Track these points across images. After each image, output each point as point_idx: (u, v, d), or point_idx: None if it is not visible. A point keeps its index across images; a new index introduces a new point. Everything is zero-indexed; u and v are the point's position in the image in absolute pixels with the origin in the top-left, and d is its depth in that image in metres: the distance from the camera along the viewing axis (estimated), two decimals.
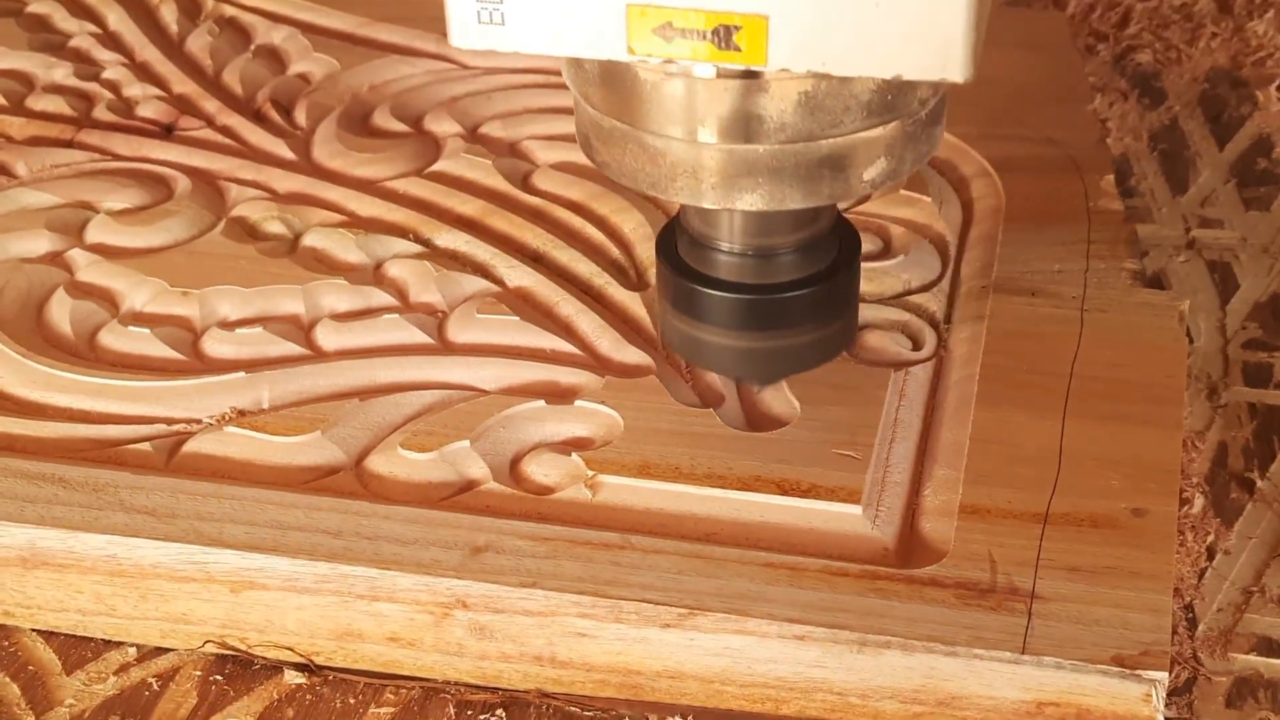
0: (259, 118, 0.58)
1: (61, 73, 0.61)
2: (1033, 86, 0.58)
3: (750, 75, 0.33)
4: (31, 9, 0.65)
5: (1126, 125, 0.60)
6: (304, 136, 0.57)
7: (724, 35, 0.32)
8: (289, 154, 0.56)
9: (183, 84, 0.60)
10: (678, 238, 0.39)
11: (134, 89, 0.60)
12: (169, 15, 0.65)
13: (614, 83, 0.35)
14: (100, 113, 0.58)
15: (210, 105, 0.59)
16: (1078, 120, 0.56)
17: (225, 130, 0.58)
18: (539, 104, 0.59)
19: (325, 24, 0.64)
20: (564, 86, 0.60)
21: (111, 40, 0.63)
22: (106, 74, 0.61)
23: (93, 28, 0.63)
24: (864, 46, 0.31)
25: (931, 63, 0.32)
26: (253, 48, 0.63)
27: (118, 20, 0.64)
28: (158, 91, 0.60)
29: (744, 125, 0.34)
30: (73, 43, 0.63)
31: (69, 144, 0.57)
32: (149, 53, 0.62)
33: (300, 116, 0.58)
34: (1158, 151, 0.59)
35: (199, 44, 0.63)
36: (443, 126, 0.57)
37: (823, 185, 0.35)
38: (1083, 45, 0.64)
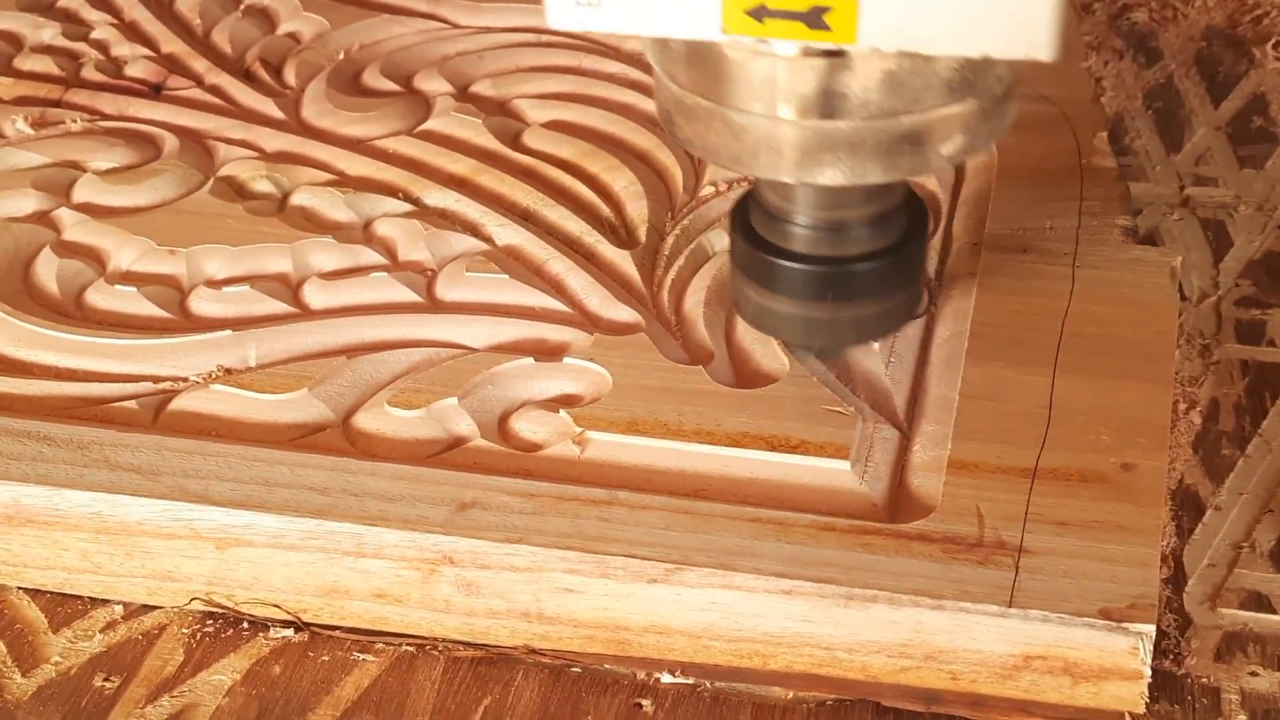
0: (248, 77, 0.58)
1: (50, 33, 0.60)
2: None
3: (836, 54, 0.34)
4: None
5: (1121, 84, 0.59)
6: (293, 96, 0.57)
7: (815, 15, 0.33)
8: (278, 113, 0.56)
9: (171, 43, 0.60)
10: (751, 211, 0.40)
11: (123, 49, 0.59)
12: None
13: (700, 61, 0.36)
14: (89, 72, 0.58)
15: (199, 65, 0.59)
16: (1072, 78, 0.56)
17: (214, 90, 0.57)
18: (530, 63, 0.58)
19: None
20: (555, 45, 0.60)
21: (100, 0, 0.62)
22: (95, 34, 0.60)
23: None
24: (952, 26, 0.33)
25: (1019, 42, 0.32)
26: (242, 7, 0.62)
27: None
28: (146, 51, 0.59)
29: (828, 102, 0.34)
30: (61, 2, 0.62)
31: (57, 104, 0.56)
32: (137, 12, 0.62)
33: (289, 76, 0.58)
34: (1152, 110, 0.58)
35: (188, 3, 0.62)
36: (433, 85, 0.57)
37: (902, 160, 0.35)
38: (1079, 3, 0.63)
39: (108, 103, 0.56)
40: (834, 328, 0.39)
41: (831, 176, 0.35)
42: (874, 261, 0.38)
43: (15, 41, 0.60)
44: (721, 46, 0.35)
